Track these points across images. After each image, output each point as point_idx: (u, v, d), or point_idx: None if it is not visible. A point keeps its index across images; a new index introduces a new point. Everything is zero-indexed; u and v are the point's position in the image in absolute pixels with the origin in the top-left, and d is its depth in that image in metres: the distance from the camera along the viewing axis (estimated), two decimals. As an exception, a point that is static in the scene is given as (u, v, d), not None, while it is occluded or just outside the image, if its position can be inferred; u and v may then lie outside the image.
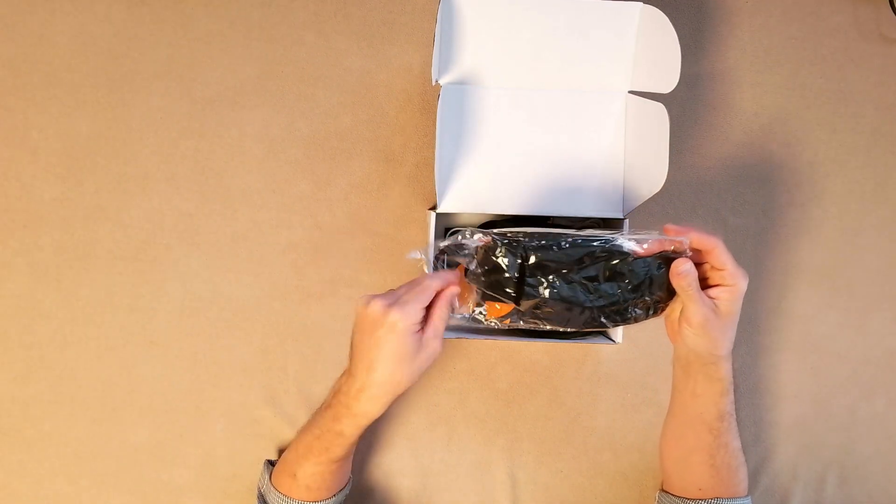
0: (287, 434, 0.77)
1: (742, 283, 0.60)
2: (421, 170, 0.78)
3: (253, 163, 0.77)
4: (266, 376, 0.77)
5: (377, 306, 0.57)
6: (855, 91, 0.83)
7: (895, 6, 0.82)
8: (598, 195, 0.73)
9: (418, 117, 0.78)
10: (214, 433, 0.77)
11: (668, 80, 0.67)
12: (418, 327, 0.58)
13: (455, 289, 0.61)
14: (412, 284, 0.59)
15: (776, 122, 0.82)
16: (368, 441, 0.78)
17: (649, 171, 0.69)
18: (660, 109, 0.67)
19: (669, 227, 0.60)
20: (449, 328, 0.75)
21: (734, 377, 0.66)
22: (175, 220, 0.76)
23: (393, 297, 0.58)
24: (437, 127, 0.67)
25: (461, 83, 0.71)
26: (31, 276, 0.75)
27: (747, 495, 0.70)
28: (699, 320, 0.60)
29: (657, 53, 0.68)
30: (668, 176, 0.65)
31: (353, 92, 0.78)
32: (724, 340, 0.62)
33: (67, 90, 0.75)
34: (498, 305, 0.70)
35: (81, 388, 0.76)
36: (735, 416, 0.68)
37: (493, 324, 0.71)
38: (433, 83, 0.69)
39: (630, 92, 0.72)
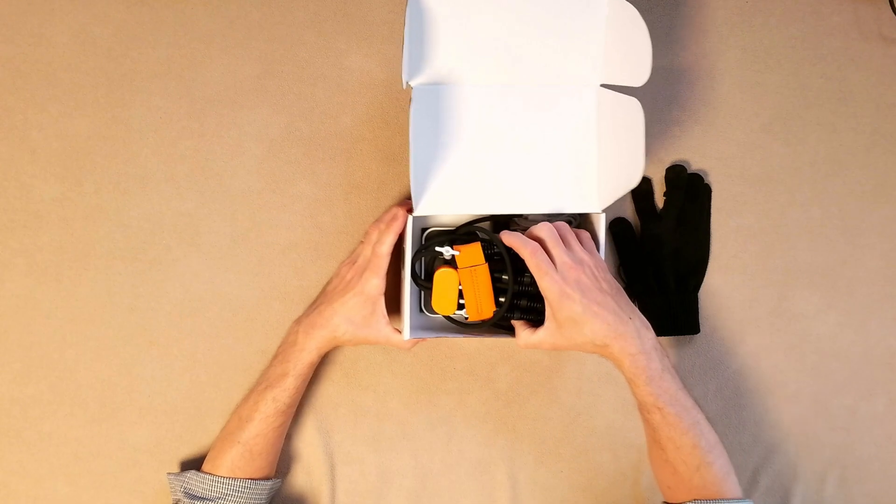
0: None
1: (547, 294, 0.63)
2: (421, 170, 0.78)
3: (253, 163, 0.77)
4: (266, 376, 0.77)
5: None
6: (855, 91, 0.83)
7: (895, 6, 0.82)
8: (574, 191, 0.72)
9: (418, 117, 0.78)
10: (214, 433, 0.77)
11: (639, 73, 0.66)
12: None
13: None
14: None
15: (776, 122, 0.82)
16: (369, 440, 0.78)
17: (625, 166, 0.67)
18: (633, 104, 0.66)
19: (504, 233, 0.66)
20: (430, 328, 0.74)
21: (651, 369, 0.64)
22: (175, 220, 0.76)
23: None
24: (410, 129, 0.66)
25: (434, 83, 0.70)
26: (31, 276, 0.75)
27: (738, 497, 0.66)
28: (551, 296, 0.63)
29: (628, 47, 0.67)
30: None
31: (353, 92, 0.78)
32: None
33: (67, 90, 0.75)
34: (482, 308, 0.69)
35: (81, 388, 0.76)
36: (677, 412, 0.65)
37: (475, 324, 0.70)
38: (404, 86, 0.67)
39: (603, 86, 0.70)
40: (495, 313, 0.68)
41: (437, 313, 0.71)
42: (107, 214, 0.76)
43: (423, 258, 0.72)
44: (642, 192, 0.80)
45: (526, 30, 0.69)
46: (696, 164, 0.81)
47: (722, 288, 0.81)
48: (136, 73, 0.76)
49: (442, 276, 0.69)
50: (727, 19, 0.82)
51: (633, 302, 0.79)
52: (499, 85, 0.71)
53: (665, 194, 0.80)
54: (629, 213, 0.81)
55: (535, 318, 0.68)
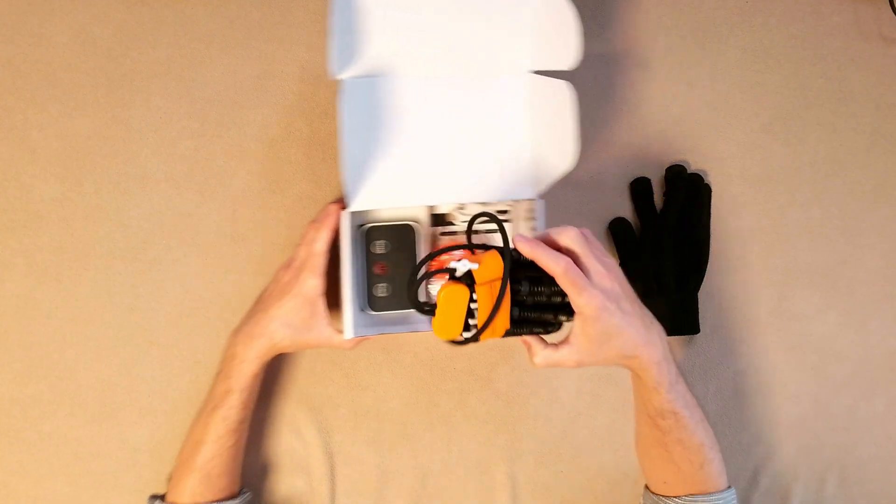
0: (285, 433, 0.78)
1: (584, 310, 0.56)
2: (421, 170, 0.78)
3: (253, 163, 0.77)
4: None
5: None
6: (855, 91, 0.83)
7: (895, 6, 0.82)
8: (511, 179, 0.71)
9: (418, 117, 0.78)
10: (214, 433, 0.77)
11: (568, 57, 0.65)
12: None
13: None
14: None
15: (776, 122, 0.82)
16: (369, 440, 0.78)
17: (558, 150, 0.66)
18: (564, 87, 0.65)
19: (519, 239, 0.57)
20: (373, 325, 0.72)
21: (673, 374, 0.63)
22: (175, 220, 0.76)
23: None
24: (340, 123, 0.64)
25: (365, 76, 0.68)
26: (31, 276, 0.75)
27: (727, 487, 0.68)
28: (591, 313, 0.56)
29: (558, 31, 0.66)
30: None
31: (353, 92, 0.78)
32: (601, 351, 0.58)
33: (67, 90, 0.75)
34: (497, 326, 0.59)
35: (81, 388, 0.75)
36: (689, 414, 0.64)
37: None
38: (331, 78, 0.65)
39: (535, 72, 0.69)
40: (506, 332, 0.59)
41: (441, 338, 0.59)
42: (107, 214, 0.76)
43: (423, 280, 0.62)
44: (642, 192, 0.80)
45: (457, 18, 0.68)
46: (696, 164, 0.82)
47: (722, 288, 0.81)
48: (136, 73, 0.76)
49: (451, 294, 0.57)
50: (727, 19, 0.82)
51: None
52: (431, 75, 0.69)
53: (665, 194, 0.80)
54: (629, 213, 0.81)
55: (543, 330, 0.61)
